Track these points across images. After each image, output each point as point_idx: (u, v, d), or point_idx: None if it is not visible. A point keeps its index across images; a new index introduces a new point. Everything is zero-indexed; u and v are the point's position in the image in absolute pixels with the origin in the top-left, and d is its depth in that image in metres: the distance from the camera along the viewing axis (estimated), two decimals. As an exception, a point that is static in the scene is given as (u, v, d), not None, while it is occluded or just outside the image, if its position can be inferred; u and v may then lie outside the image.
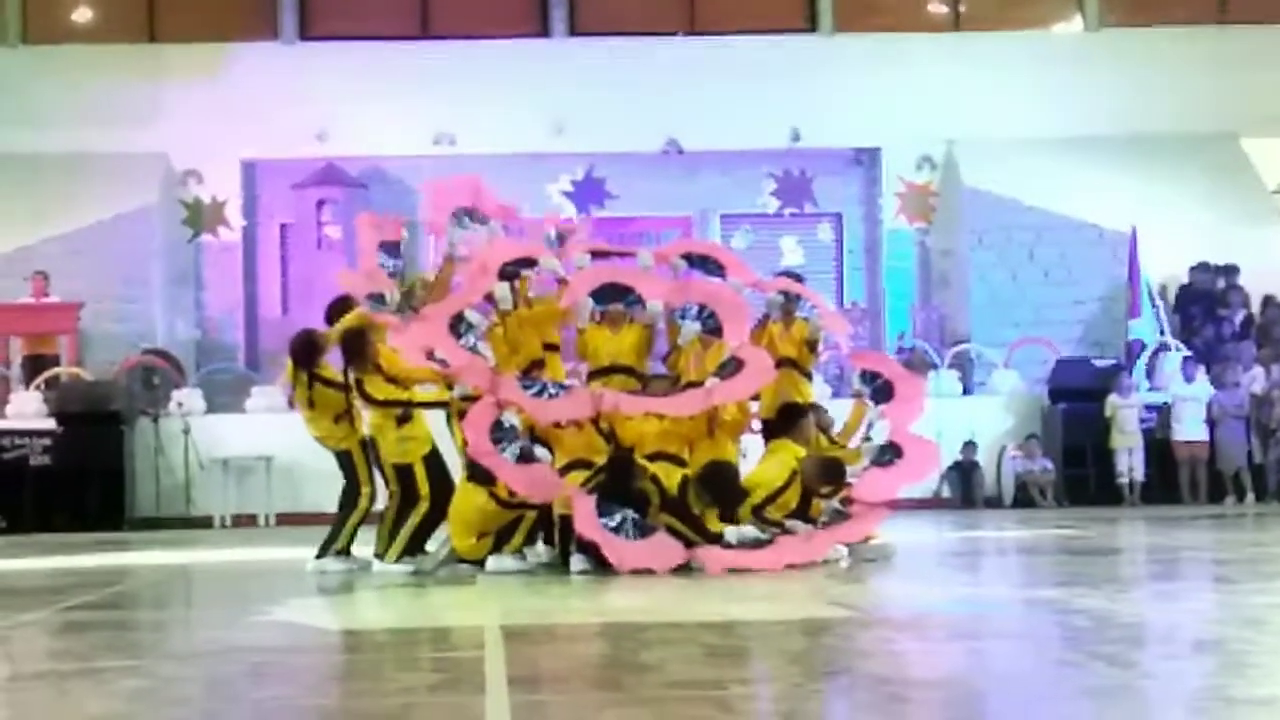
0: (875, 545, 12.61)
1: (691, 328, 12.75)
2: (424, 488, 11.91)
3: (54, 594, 10.72)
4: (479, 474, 11.55)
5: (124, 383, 22.69)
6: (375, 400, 11.79)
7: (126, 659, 7.26)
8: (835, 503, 12.37)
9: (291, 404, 12.33)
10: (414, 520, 11.91)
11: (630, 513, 11.28)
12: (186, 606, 11.08)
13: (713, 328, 12.76)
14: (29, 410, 22.15)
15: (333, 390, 12.01)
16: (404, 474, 12.01)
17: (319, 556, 12.19)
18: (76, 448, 21.14)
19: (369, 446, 12.18)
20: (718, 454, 12.29)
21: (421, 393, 11.92)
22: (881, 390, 13.55)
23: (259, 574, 13.16)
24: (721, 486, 11.71)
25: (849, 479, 12.66)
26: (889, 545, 12.97)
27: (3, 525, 20.65)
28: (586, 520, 11.24)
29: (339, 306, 12.59)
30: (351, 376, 11.86)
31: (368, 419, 12.20)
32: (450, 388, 11.98)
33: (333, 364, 12.13)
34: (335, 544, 12.19)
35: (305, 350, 12.12)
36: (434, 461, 12.03)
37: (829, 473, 12.22)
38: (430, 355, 11.88)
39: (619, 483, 11.44)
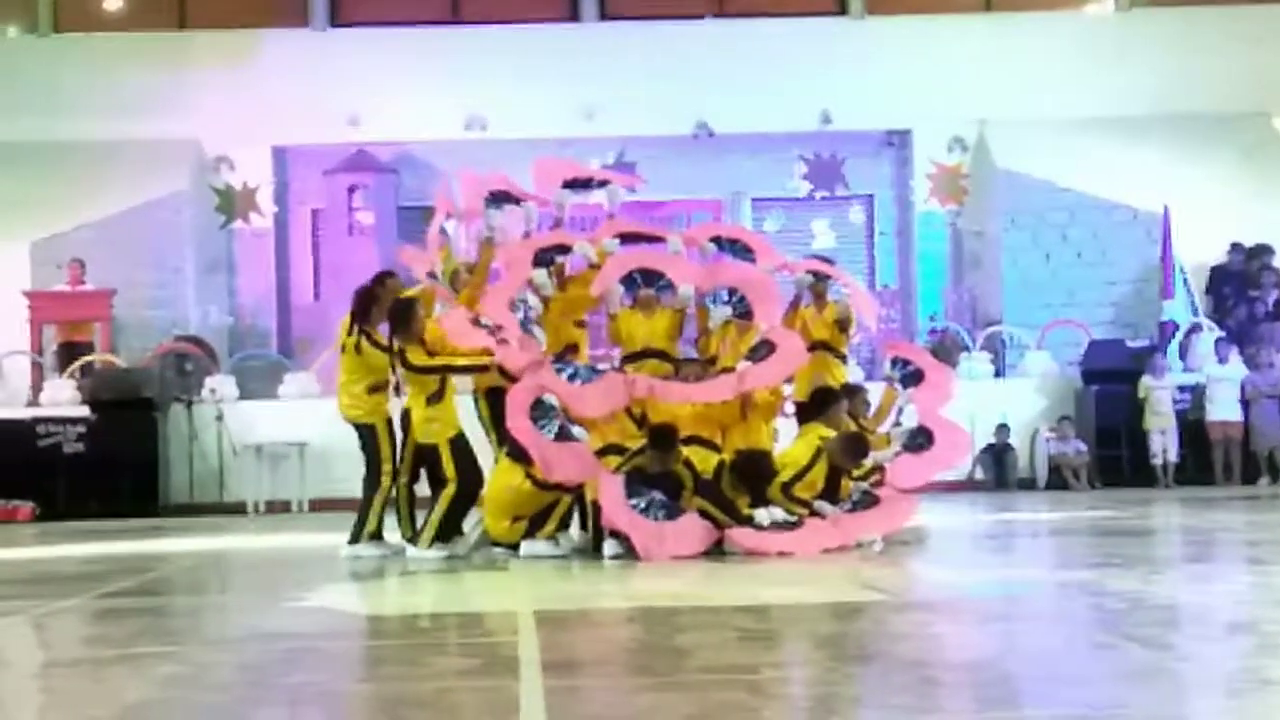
0: (908, 528, 12.61)
1: (722, 312, 12.78)
2: (450, 470, 11.89)
3: (89, 581, 10.76)
4: (518, 452, 11.56)
5: (157, 369, 22.71)
6: (416, 367, 11.79)
7: (162, 645, 7.29)
8: (865, 485, 12.39)
9: (345, 346, 12.26)
10: (441, 505, 11.90)
11: (659, 495, 11.28)
12: (221, 593, 11.12)
13: (743, 311, 12.79)
14: (63, 398, 22.21)
15: (378, 351, 12.01)
16: (429, 455, 12.03)
17: (352, 543, 12.21)
18: (110, 435, 21.18)
19: (394, 426, 12.25)
20: (751, 437, 12.32)
21: (462, 358, 11.91)
22: (912, 376, 13.61)
23: (293, 560, 13.19)
24: (755, 476, 11.71)
25: (883, 463, 12.71)
26: (922, 528, 12.96)
27: (37, 512, 20.72)
28: (614, 504, 11.25)
29: (380, 283, 12.58)
30: (396, 345, 11.87)
31: (404, 399, 12.23)
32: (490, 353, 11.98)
33: (384, 331, 12.16)
34: (365, 527, 12.21)
35: (362, 300, 12.18)
36: (460, 445, 12.02)
37: (853, 449, 12.21)
38: (475, 322, 11.97)
39: (661, 453, 11.42)
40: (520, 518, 11.75)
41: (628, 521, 11.23)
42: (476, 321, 11.97)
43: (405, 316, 11.87)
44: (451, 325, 11.96)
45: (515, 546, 11.72)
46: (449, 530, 11.98)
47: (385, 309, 12.10)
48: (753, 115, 25.86)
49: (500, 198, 13.19)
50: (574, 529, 12.10)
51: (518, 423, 11.41)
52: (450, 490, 11.89)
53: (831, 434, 12.26)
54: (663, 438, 11.54)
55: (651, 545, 11.12)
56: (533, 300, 12.32)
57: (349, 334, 12.15)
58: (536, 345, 12.02)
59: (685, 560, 10.95)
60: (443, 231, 13.00)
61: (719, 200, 26.62)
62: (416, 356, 11.79)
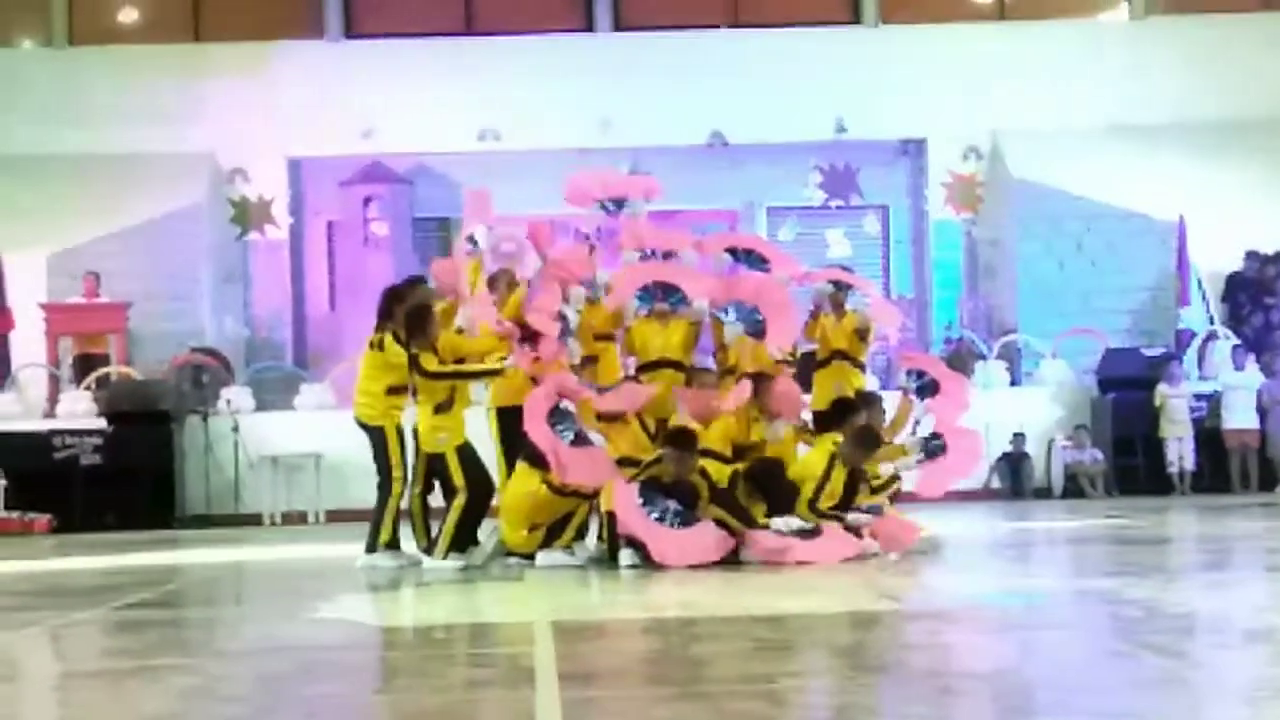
0: (923, 538, 12.59)
1: (734, 329, 12.75)
2: (458, 478, 11.90)
3: (107, 593, 10.77)
4: (535, 457, 11.56)
5: (173, 381, 22.77)
6: (428, 372, 11.80)
7: (179, 657, 7.30)
8: (884, 499, 12.37)
9: (370, 343, 12.27)
10: (454, 515, 11.90)
11: (674, 504, 11.28)
12: (238, 604, 11.13)
13: (755, 330, 12.73)
14: (79, 410, 22.27)
15: (400, 349, 11.97)
16: (437, 464, 12.03)
17: (368, 552, 12.20)
18: (126, 447, 21.22)
19: (404, 433, 12.24)
20: (777, 450, 12.30)
21: (473, 365, 11.94)
22: (927, 386, 13.61)
23: (309, 571, 13.19)
24: (770, 484, 11.70)
25: (903, 471, 12.72)
26: (937, 537, 12.95)
27: (54, 524, 20.75)
28: (629, 510, 11.24)
29: (411, 286, 12.60)
30: (411, 349, 11.87)
31: (414, 413, 12.23)
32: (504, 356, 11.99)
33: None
34: (380, 536, 12.19)
35: (388, 299, 12.20)
36: (467, 453, 12.03)
37: (863, 441, 12.16)
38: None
39: (680, 452, 11.38)
40: (537, 526, 11.75)
41: (643, 526, 11.22)
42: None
43: (420, 321, 11.88)
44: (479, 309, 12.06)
45: (531, 556, 11.73)
46: (464, 540, 11.98)
47: (410, 303, 12.12)
48: (767, 125, 25.90)
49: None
50: (590, 539, 12.09)
51: (534, 426, 11.42)
52: (461, 499, 11.90)
53: (840, 437, 12.21)
54: (681, 439, 11.51)
55: (668, 550, 11.11)
56: (570, 313, 12.34)
57: (375, 331, 12.17)
58: (570, 356, 12.10)
59: (701, 570, 10.94)
60: (470, 240, 12.96)
61: (734, 210, 26.64)
62: (429, 362, 11.80)
